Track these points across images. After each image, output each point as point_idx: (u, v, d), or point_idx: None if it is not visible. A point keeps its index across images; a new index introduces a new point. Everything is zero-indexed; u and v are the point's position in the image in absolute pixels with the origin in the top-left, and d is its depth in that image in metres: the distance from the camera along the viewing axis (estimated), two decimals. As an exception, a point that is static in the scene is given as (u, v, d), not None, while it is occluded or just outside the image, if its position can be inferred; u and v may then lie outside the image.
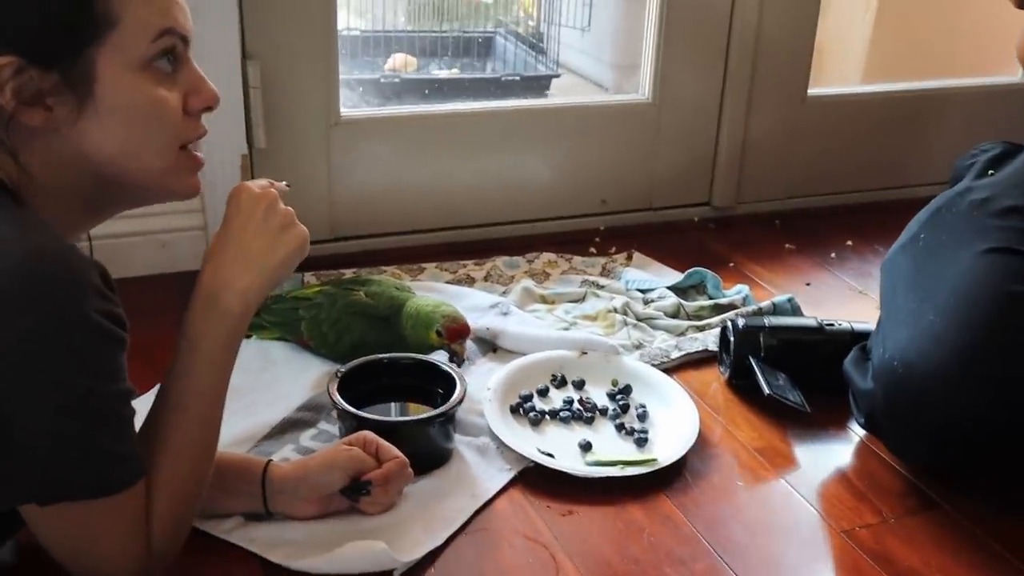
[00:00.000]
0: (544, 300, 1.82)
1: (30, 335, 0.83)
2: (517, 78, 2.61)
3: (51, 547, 0.94)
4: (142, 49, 0.90)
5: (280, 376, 1.51)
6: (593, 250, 2.04)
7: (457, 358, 1.48)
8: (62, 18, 0.87)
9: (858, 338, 1.52)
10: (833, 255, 2.09)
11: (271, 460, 1.18)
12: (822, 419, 1.49)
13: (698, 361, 1.64)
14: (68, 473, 0.89)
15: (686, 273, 1.88)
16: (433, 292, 1.74)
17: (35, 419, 0.86)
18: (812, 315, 1.70)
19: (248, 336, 1.60)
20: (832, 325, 1.57)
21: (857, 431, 1.47)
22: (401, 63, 2.70)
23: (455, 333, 1.48)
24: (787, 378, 1.51)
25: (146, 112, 0.91)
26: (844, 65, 2.90)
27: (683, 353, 1.65)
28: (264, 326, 1.61)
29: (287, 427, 1.38)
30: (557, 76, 2.67)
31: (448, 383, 1.37)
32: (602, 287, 1.85)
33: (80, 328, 0.85)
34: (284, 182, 1.08)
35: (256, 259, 1.00)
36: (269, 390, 1.47)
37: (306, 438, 1.36)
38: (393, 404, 1.39)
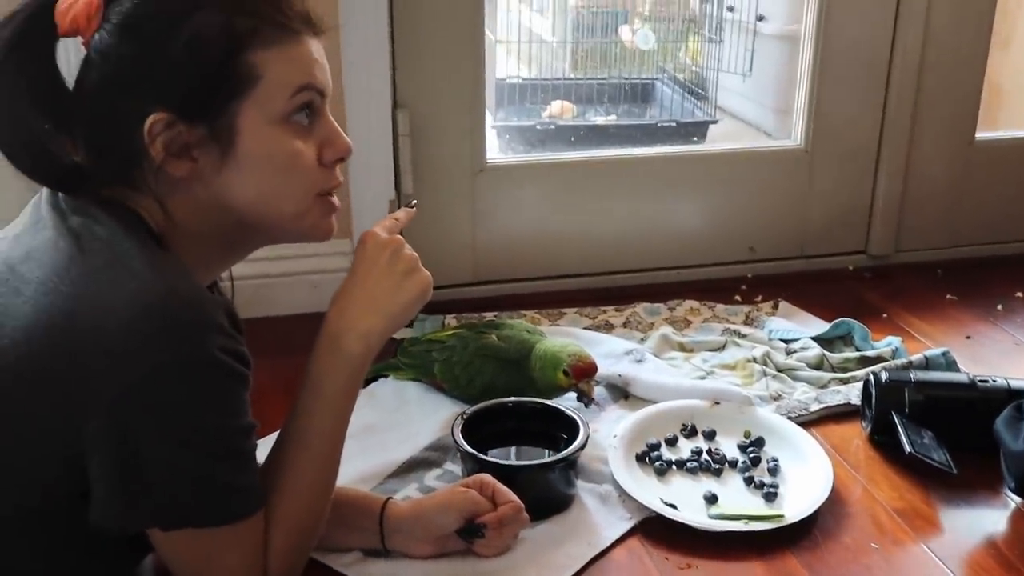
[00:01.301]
0: (682, 348, 1.80)
1: (161, 371, 0.87)
2: (673, 124, 2.60)
3: (173, 570, 0.99)
4: (282, 104, 0.94)
5: (412, 416, 1.54)
6: (738, 298, 2.01)
7: (585, 398, 1.48)
8: (211, 76, 0.92)
9: (1014, 396, 1.44)
10: (999, 307, 1.98)
11: (390, 498, 1.21)
12: (970, 481, 1.41)
13: (839, 415, 1.59)
14: (189, 502, 0.93)
15: (833, 323, 1.83)
16: (568, 337, 1.75)
17: (161, 450, 0.90)
18: (968, 371, 1.62)
19: (384, 376, 1.65)
20: (986, 382, 1.48)
21: (1011, 496, 1.39)
22: (559, 110, 2.73)
23: (581, 372, 1.48)
24: (933, 436, 1.44)
25: (283, 164, 0.95)
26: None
27: (823, 406, 1.60)
28: (400, 367, 1.64)
29: (413, 466, 1.40)
30: (715, 122, 2.64)
31: (572, 429, 1.37)
32: (743, 336, 1.83)
33: (206, 366, 0.88)
34: (413, 201, 1.12)
35: (379, 303, 1.02)
36: (400, 429, 1.50)
37: (431, 478, 1.38)
38: (515, 448, 1.40)
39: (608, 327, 1.88)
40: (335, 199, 1.02)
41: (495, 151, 2.35)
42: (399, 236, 1.07)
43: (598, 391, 1.60)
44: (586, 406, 1.51)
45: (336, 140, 0.99)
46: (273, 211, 0.97)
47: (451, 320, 1.87)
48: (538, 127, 2.56)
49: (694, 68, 2.94)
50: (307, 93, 0.95)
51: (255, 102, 0.93)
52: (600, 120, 2.70)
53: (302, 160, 0.96)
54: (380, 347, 1.04)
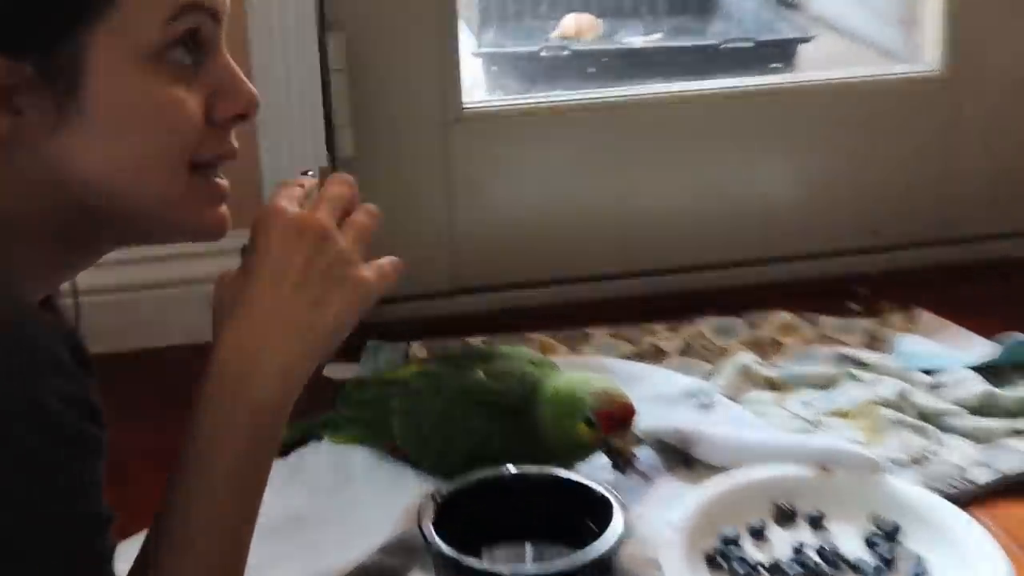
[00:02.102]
0: (772, 385, 1.79)
1: None
2: (749, 44, 2.60)
3: None
4: (153, 32, 0.94)
5: (359, 499, 1.53)
6: (854, 307, 2.01)
7: (621, 461, 1.47)
8: None
9: None
10: None
11: None
12: None
13: (1021, 488, 1.58)
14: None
15: (1005, 344, 1.82)
16: (599, 372, 1.72)
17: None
18: None
19: (317, 438, 1.64)
20: None
21: None
22: (574, 27, 2.73)
23: (612, 418, 1.46)
24: None
25: (151, 118, 0.95)
26: None
27: (997, 475, 1.58)
28: (340, 424, 1.63)
29: (363, 578, 1.38)
30: (807, 40, 2.65)
31: (604, 513, 1.33)
32: (865, 365, 1.81)
33: (30, 419, 0.86)
34: (309, 171, 1.11)
35: (296, 322, 1.02)
36: (343, 520, 1.49)
37: (390, 598, 1.36)
38: (518, 546, 1.37)
39: (658, 355, 1.87)
40: (223, 181, 1.02)
41: (478, 91, 2.33)
42: (320, 217, 1.06)
43: (645, 454, 1.58)
44: (623, 473, 1.49)
45: (235, 87, 1.00)
46: (131, 191, 0.97)
47: (418, 349, 1.85)
48: (543, 53, 2.55)
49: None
50: (192, 15, 0.95)
51: (111, 29, 0.93)
52: (637, 41, 2.69)
53: (180, 114, 0.97)
54: (299, 390, 1.03)
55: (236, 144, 1.01)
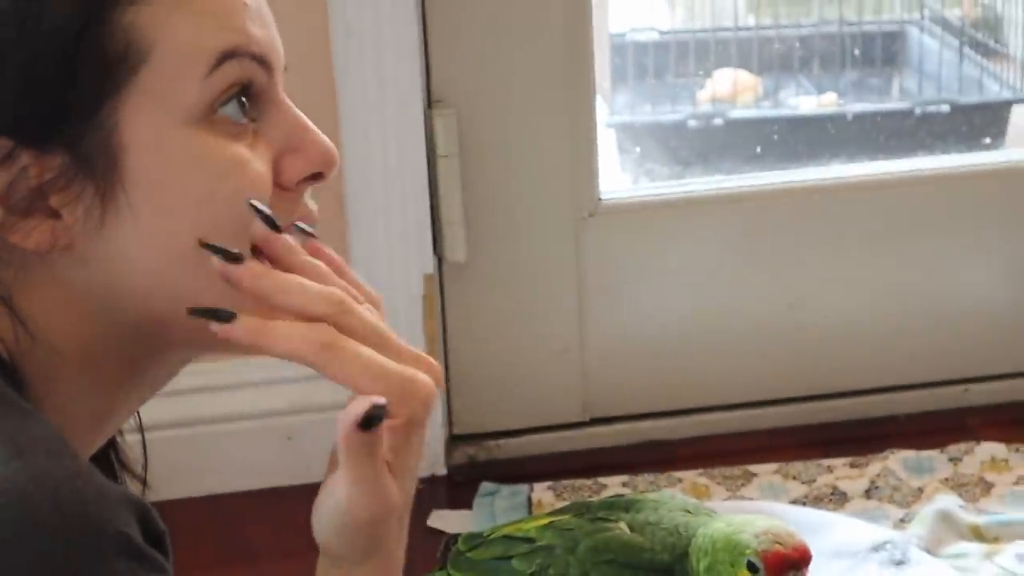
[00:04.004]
0: (979, 535, 1.80)
1: None
2: (944, 109, 2.64)
3: None
4: (193, 90, 0.96)
5: None
6: (1083, 437, 2.01)
7: None
8: (65, 63, 0.94)
9: None
10: None
11: None
12: None
13: None
14: None
15: None
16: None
17: None
18: None
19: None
20: None
21: None
22: (730, 87, 2.78)
23: (781, 562, 1.47)
24: None
25: (212, 183, 0.96)
26: None
27: None
28: None
29: None
30: (1022, 100, 2.69)
31: None
32: (1096, 510, 1.83)
33: None
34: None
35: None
36: None
37: None
38: None
39: (838, 498, 1.90)
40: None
41: (615, 176, 2.38)
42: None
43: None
44: None
45: (305, 141, 1.01)
46: (201, 284, 0.97)
47: (543, 494, 1.89)
48: (692, 123, 2.61)
49: (980, 1, 2.95)
50: (237, 64, 0.97)
51: (146, 94, 0.95)
52: (808, 104, 2.74)
53: (247, 174, 0.97)
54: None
55: (315, 208, 1.01)
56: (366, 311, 0.96)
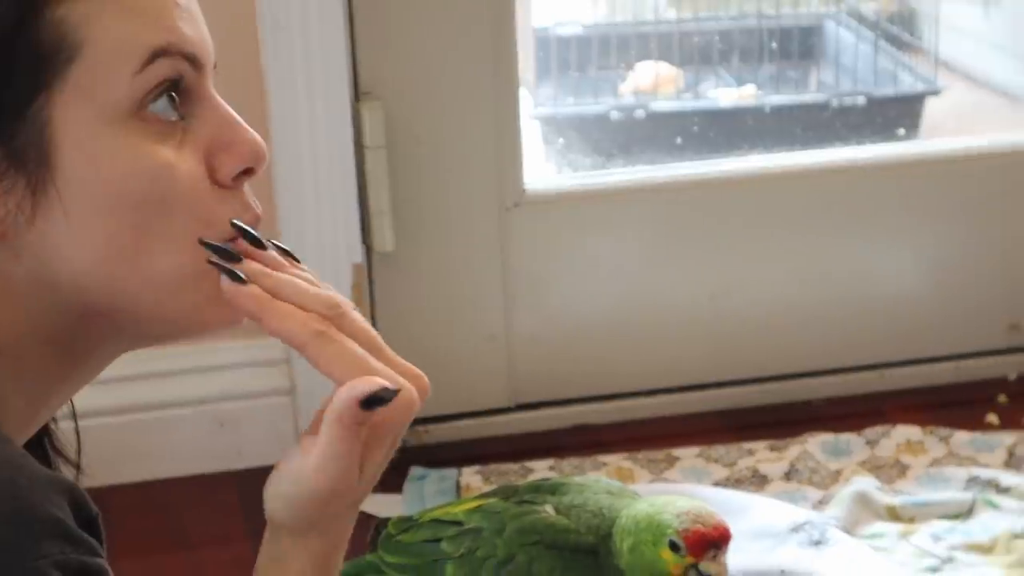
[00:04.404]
0: (895, 516, 1.82)
1: None
2: (860, 101, 2.66)
3: None
4: (123, 86, 0.96)
5: None
6: (993, 418, 2.04)
7: None
8: None
9: None
10: None
11: None
12: None
13: None
14: None
15: None
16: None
17: None
18: None
19: (357, 587, 1.68)
20: None
21: None
22: (651, 79, 2.77)
23: (701, 541, 1.49)
24: None
25: (137, 188, 0.96)
26: None
27: None
28: (381, 569, 1.66)
29: None
30: (935, 92, 2.70)
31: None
32: (1006, 490, 1.84)
33: None
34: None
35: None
36: None
37: None
38: None
39: (758, 481, 1.91)
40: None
41: (540, 167, 2.39)
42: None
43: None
44: None
45: (235, 136, 1.01)
46: (135, 282, 0.99)
47: (471, 478, 1.89)
48: (614, 115, 2.61)
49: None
50: (167, 62, 0.97)
51: (77, 89, 0.95)
52: (728, 97, 2.74)
53: (176, 179, 0.98)
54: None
55: (258, 208, 1.01)
56: (360, 317, 0.99)
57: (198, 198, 0.98)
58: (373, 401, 0.94)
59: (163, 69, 0.97)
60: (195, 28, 0.99)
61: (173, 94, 0.97)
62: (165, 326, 1.02)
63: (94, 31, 0.95)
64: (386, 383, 0.95)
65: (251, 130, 1.00)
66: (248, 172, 1.00)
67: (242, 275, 0.97)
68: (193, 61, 0.98)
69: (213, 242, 0.98)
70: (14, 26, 0.93)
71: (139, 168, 0.96)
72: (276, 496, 1.01)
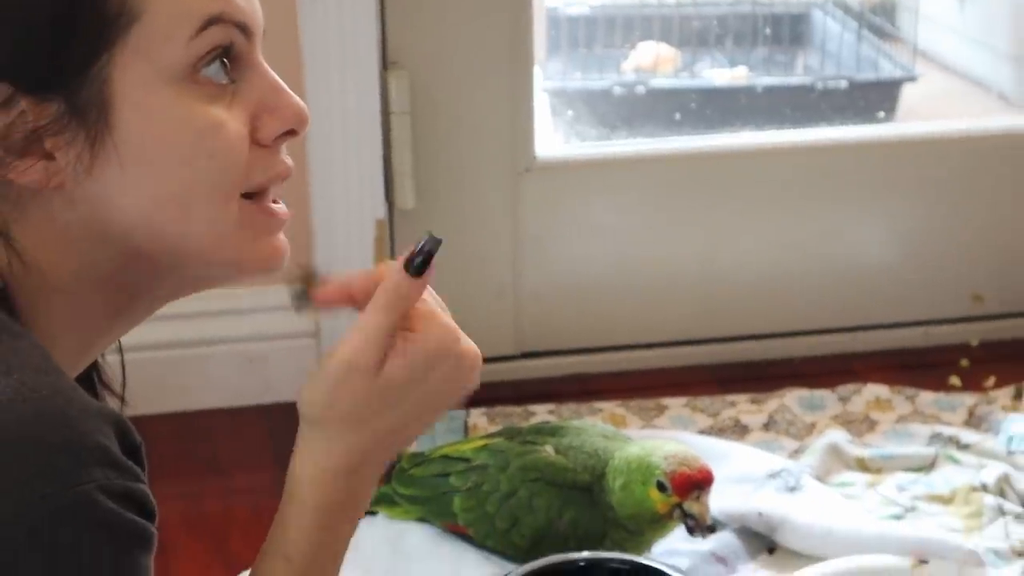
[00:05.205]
0: (864, 467, 1.83)
1: (1, 527, 0.87)
2: (843, 84, 2.65)
3: None
4: (179, 50, 0.95)
5: None
6: (955, 381, 2.05)
7: (697, 526, 1.52)
8: (61, 17, 0.93)
9: None
10: None
11: None
12: None
13: None
14: None
15: None
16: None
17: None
18: None
19: (372, 513, 1.69)
20: None
21: None
22: (652, 58, 2.77)
23: (686, 482, 1.51)
24: None
25: (189, 144, 0.97)
26: None
27: None
28: (396, 500, 1.68)
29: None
30: (912, 79, 2.70)
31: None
32: (966, 446, 1.85)
33: (76, 515, 0.89)
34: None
35: (410, 436, 1.07)
36: None
37: None
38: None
39: (740, 430, 1.92)
40: (281, 206, 1.04)
41: (549, 136, 2.39)
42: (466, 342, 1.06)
43: (726, 539, 1.64)
44: (702, 536, 1.54)
45: (280, 101, 1.01)
46: (177, 228, 0.99)
47: (478, 419, 1.90)
48: (617, 90, 2.62)
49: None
50: (220, 29, 0.97)
51: (136, 52, 0.95)
52: (721, 76, 2.76)
53: (223, 136, 0.98)
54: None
55: (290, 162, 1.02)
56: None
57: (241, 154, 0.98)
58: (420, 261, 0.98)
59: (216, 36, 0.97)
60: None
61: (224, 59, 0.97)
62: (207, 270, 1.02)
63: None
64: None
65: (295, 96, 1.00)
66: (290, 134, 1.01)
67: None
68: (244, 29, 0.98)
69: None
70: None
71: (191, 126, 0.97)
72: (305, 386, 1.02)
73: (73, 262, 0.99)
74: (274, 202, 1.02)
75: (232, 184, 0.99)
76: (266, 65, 1.01)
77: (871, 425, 1.94)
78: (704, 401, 1.99)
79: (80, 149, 0.95)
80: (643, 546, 1.57)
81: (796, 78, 2.78)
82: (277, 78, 1.01)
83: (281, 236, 1.03)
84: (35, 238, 0.98)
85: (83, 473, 0.89)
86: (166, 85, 0.96)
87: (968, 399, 2.00)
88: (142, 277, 1.02)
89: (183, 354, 2.01)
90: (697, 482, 1.52)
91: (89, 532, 0.90)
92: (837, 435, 1.88)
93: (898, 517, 1.72)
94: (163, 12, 0.95)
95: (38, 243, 0.98)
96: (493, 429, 1.88)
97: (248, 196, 1.00)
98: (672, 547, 1.62)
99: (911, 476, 1.81)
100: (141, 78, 0.95)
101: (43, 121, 0.95)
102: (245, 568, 1.32)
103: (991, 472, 1.77)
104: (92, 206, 0.97)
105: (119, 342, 1.12)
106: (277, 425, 1.97)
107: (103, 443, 0.91)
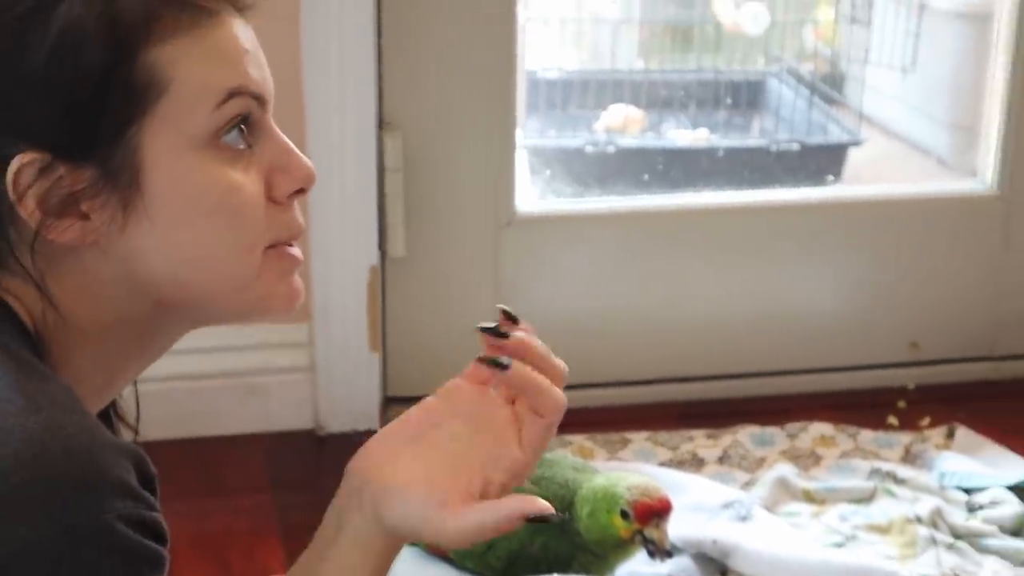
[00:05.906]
0: (809, 498, 1.85)
1: (26, 552, 0.87)
2: (795, 147, 2.68)
3: None
4: (203, 120, 0.97)
5: None
6: (893, 421, 2.07)
7: (657, 550, 1.53)
8: (96, 91, 0.94)
9: None
10: None
11: None
12: None
13: None
14: None
15: None
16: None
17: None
18: None
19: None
20: None
21: None
22: (621, 119, 2.80)
23: (647, 511, 1.53)
24: None
25: (213, 204, 0.98)
26: None
27: None
28: None
29: None
30: (857, 144, 2.73)
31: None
32: (901, 481, 1.87)
33: (97, 543, 0.89)
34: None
35: None
36: None
37: None
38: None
39: (696, 463, 1.94)
40: (295, 250, 1.05)
41: (528, 192, 2.40)
42: None
43: (683, 564, 1.66)
44: (655, 559, 1.55)
45: (291, 163, 1.03)
46: (207, 280, 1.01)
47: (459, 450, 1.93)
48: (588, 148, 2.65)
49: (827, 57, 2.99)
50: (239, 100, 0.99)
51: (164, 121, 0.97)
52: (684, 138, 2.79)
53: (241, 198, 1.00)
54: None
55: (302, 220, 1.04)
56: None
57: (258, 213, 0.99)
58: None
59: (236, 106, 0.98)
60: (261, 72, 1.01)
61: (242, 127, 0.99)
62: (229, 314, 1.04)
63: (180, 72, 0.96)
64: (543, 510, 0.98)
65: (304, 157, 1.02)
66: (300, 192, 1.02)
67: (505, 362, 1.02)
68: (259, 99, 1.00)
69: (489, 325, 1.04)
70: (112, 67, 0.94)
71: (214, 188, 0.98)
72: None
73: (105, 311, 1.00)
74: (288, 245, 1.03)
75: (252, 238, 1.00)
76: (277, 129, 1.02)
77: (816, 460, 1.97)
78: (664, 436, 2.01)
79: (113, 210, 0.96)
80: (607, 569, 1.59)
81: (753, 140, 2.82)
82: (287, 141, 1.02)
83: (296, 278, 1.04)
84: (68, 289, 0.99)
85: (105, 505, 0.90)
86: (191, 151, 0.97)
87: (905, 438, 2.02)
88: (165, 320, 1.03)
89: (190, 386, 2.02)
90: (657, 511, 1.53)
91: (108, 558, 0.90)
92: (785, 469, 1.90)
93: (840, 545, 1.75)
94: (188, 86, 0.96)
95: (71, 294, 0.99)
96: (473, 459, 1.87)
97: (271, 247, 1.01)
98: (634, 570, 1.64)
99: (852, 507, 1.84)
100: (169, 145, 0.97)
101: (79, 185, 0.96)
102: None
103: (925, 505, 1.79)
104: (123, 261, 0.98)
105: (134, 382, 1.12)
106: (273, 451, 2.00)
107: (123, 477, 0.92)
